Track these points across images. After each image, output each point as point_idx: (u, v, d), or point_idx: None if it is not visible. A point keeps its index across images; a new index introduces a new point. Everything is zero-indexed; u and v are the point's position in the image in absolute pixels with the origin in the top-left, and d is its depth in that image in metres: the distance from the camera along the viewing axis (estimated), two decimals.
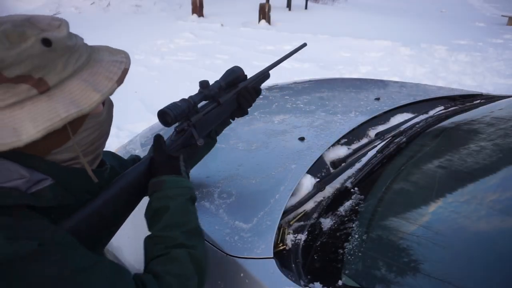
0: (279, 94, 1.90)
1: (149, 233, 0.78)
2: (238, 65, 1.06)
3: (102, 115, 0.71)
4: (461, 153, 1.26)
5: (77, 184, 0.70)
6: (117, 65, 0.68)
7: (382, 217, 1.02)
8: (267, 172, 1.17)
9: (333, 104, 1.71)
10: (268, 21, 9.73)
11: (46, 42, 0.58)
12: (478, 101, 1.84)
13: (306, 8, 12.23)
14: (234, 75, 1.03)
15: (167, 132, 1.00)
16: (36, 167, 0.63)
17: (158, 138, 0.86)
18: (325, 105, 1.70)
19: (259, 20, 9.76)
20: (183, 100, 0.88)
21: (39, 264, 0.56)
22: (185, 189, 0.80)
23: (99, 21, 9.67)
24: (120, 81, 0.66)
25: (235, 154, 1.31)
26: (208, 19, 10.04)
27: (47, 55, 0.58)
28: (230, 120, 1.10)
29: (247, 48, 6.96)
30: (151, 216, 0.78)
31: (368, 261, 0.89)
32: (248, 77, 1.09)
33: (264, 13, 9.70)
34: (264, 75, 1.13)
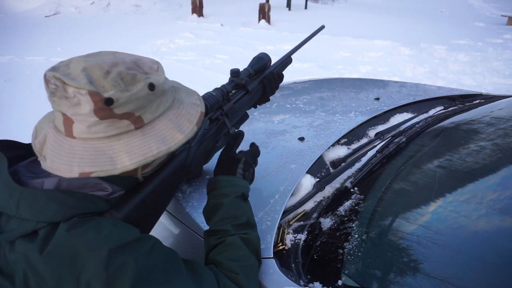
0: (279, 94, 1.90)
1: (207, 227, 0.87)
2: (265, 52, 1.07)
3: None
4: (460, 153, 1.26)
5: None
6: (195, 108, 0.77)
7: (382, 217, 1.02)
8: (267, 172, 1.17)
9: (333, 104, 1.71)
10: (268, 21, 9.73)
11: (151, 87, 0.66)
12: (478, 101, 1.84)
13: (306, 8, 12.23)
14: (262, 62, 1.05)
15: None
16: (115, 183, 0.72)
17: (238, 135, 0.97)
18: (325, 105, 1.70)
19: (259, 20, 9.76)
20: (216, 89, 0.91)
21: (147, 247, 0.65)
22: (238, 188, 0.88)
23: (99, 21, 9.66)
24: (198, 123, 0.75)
25: None
26: (208, 19, 10.04)
27: (149, 97, 0.67)
28: (248, 113, 1.12)
29: (247, 48, 6.95)
30: (208, 212, 0.88)
31: (368, 261, 0.89)
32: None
33: (264, 13, 9.70)
34: (287, 60, 1.15)
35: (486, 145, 1.25)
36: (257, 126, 1.51)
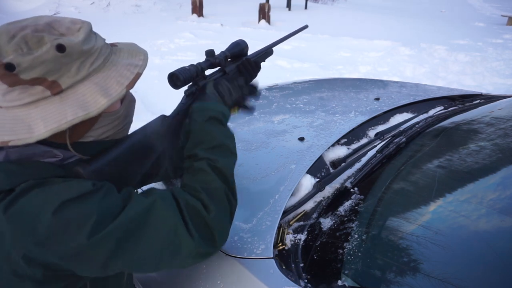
0: (279, 94, 1.90)
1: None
2: (243, 39, 1.09)
3: (119, 112, 0.76)
4: (460, 153, 1.26)
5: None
6: (131, 69, 0.72)
7: (382, 217, 1.02)
8: (267, 172, 1.17)
9: (333, 104, 1.71)
10: (268, 21, 9.74)
11: (60, 48, 0.62)
12: (478, 101, 1.84)
13: (306, 8, 12.24)
14: (239, 48, 1.07)
15: None
16: (66, 148, 0.70)
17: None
18: (325, 105, 1.70)
19: (259, 20, 9.76)
20: (191, 65, 0.92)
21: (100, 195, 0.66)
22: (207, 112, 0.87)
23: (98, 21, 9.66)
24: (130, 85, 0.70)
25: None
26: (208, 19, 10.04)
27: (61, 60, 0.63)
28: None
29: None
30: (183, 140, 0.89)
31: (368, 261, 0.89)
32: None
33: (264, 13, 9.70)
34: (267, 51, 1.16)
35: (486, 145, 1.25)
36: (257, 126, 1.51)
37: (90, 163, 0.72)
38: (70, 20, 0.68)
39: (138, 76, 0.72)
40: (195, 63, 0.94)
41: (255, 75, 1.12)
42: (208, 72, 0.99)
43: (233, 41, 1.09)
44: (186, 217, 0.73)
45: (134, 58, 0.74)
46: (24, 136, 0.62)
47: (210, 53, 0.98)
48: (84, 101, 0.65)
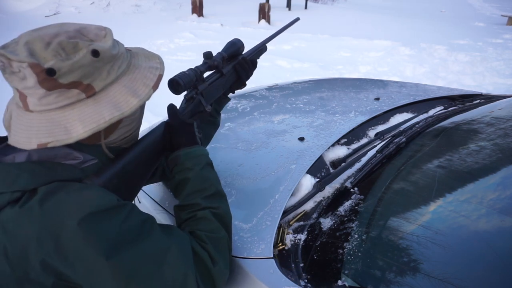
0: (279, 94, 1.90)
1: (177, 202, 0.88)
2: (239, 38, 1.12)
3: (136, 113, 0.80)
4: (460, 153, 1.26)
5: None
6: (152, 71, 0.77)
7: (382, 217, 1.02)
8: (267, 172, 1.17)
9: (333, 104, 1.71)
10: (268, 21, 9.74)
11: (95, 53, 0.66)
12: (478, 101, 1.84)
13: (306, 8, 12.24)
14: (235, 47, 1.09)
15: None
16: (86, 152, 0.73)
17: (171, 106, 0.93)
18: (325, 105, 1.70)
19: (259, 20, 9.76)
20: (190, 69, 0.94)
21: (123, 214, 0.68)
22: (201, 158, 0.88)
23: (98, 21, 9.64)
24: (155, 87, 0.76)
25: (235, 154, 1.31)
26: (208, 19, 10.04)
27: (95, 64, 0.67)
28: (229, 96, 1.17)
29: (246, 48, 6.94)
30: (175, 188, 0.88)
31: (368, 261, 0.89)
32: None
33: (264, 13, 9.70)
34: (261, 48, 1.20)
35: (486, 145, 1.25)
36: (257, 126, 1.51)
37: (99, 175, 0.73)
38: (95, 27, 0.72)
39: (160, 77, 0.77)
40: (193, 67, 0.95)
41: (251, 73, 1.14)
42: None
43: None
44: (195, 268, 0.73)
45: (152, 61, 0.80)
46: (62, 137, 0.65)
47: (207, 55, 1.00)
48: (116, 102, 0.69)
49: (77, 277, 0.64)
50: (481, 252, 0.86)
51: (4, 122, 0.71)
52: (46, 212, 0.62)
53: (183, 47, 6.92)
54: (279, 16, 10.25)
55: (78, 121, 0.66)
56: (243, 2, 12.03)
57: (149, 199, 1.18)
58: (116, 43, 0.73)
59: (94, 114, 0.67)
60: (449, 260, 0.85)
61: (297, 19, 1.39)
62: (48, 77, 0.63)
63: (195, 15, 10.32)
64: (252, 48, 1.17)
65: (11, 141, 0.67)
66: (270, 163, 1.22)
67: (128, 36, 7.61)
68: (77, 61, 0.64)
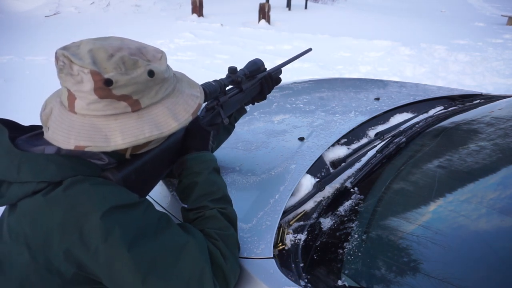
0: (279, 94, 1.90)
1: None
2: (259, 58, 1.20)
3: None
4: (460, 153, 1.26)
5: None
6: (193, 99, 0.81)
7: (382, 217, 1.02)
8: (267, 172, 1.17)
9: (333, 104, 1.71)
10: (268, 21, 9.74)
11: (151, 73, 0.71)
12: (478, 101, 1.85)
13: (306, 8, 12.23)
14: (256, 66, 1.18)
15: None
16: (109, 155, 0.76)
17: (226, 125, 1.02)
18: (325, 105, 1.70)
19: (259, 20, 9.76)
20: (216, 81, 1.00)
21: (143, 209, 0.71)
22: (208, 163, 0.90)
23: (98, 21, 9.66)
24: (194, 114, 0.79)
25: (235, 154, 1.31)
26: (208, 19, 10.04)
27: (148, 83, 0.71)
28: (246, 108, 1.25)
29: (247, 48, 6.95)
30: (183, 192, 0.89)
31: (368, 261, 0.89)
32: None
33: (264, 13, 9.70)
34: (280, 68, 1.30)
35: (486, 145, 1.25)
36: (257, 126, 1.51)
37: (119, 170, 0.76)
38: (153, 48, 0.76)
39: (199, 106, 0.81)
40: (218, 79, 1.01)
41: (272, 88, 1.25)
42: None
43: (250, 59, 1.19)
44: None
45: (193, 89, 0.84)
46: (101, 144, 0.67)
47: (232, 70, 1.07)
48: (157, 121, 0.72)
49: (98, 268, 0.65)
50: (481, 252, 0.86)
51: (43, 116, 0.73)
52: (70, 200, 0.65)
53: (183, 47, 6.92)
54: (279, 16, 10.26)
55: (119, 132, 0.68)
56: (243, 2, 12.03)
57: (149, 199, 1.18)
58: (168, 67, 0.77)
59: (135, 128, 0.70)
60: (449, 260, 0.85)
61: (310, 49, 1.47)
62: (104, 87, 0.66)
63: (195, 15, 10.32)
64: (274, 67, 1.27)
65: (48, 137, 0.69)
66: (270, 163, 1.22)
67: (128, 36, 7.57)
68: (134, 78, 0.68)
